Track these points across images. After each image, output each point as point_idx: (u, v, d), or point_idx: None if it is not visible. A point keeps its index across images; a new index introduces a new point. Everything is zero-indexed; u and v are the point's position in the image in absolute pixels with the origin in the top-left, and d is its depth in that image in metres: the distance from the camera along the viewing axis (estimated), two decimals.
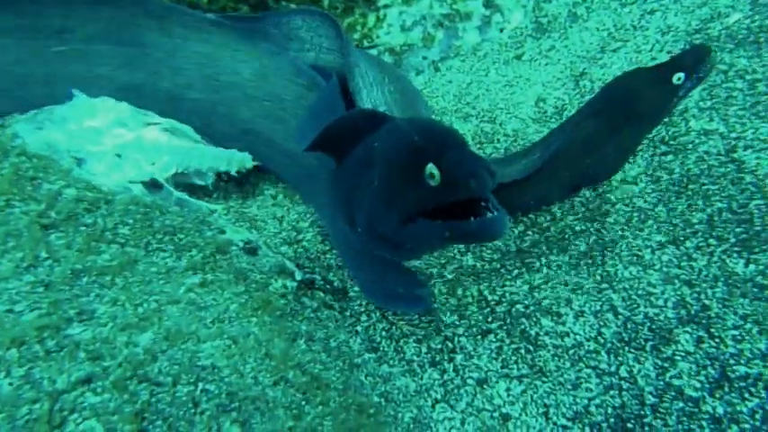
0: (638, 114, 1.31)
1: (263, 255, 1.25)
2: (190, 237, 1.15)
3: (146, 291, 0.97)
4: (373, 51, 1.91)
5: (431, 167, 0.82)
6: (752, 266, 1.17)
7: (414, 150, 0.85)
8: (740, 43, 1.56)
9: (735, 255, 1.20)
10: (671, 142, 1.47)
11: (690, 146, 1.44)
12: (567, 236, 1.38)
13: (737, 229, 1.24)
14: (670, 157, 1.44)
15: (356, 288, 1.37)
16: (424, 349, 1.23)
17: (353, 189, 0.98)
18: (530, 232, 1.42)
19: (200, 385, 0.81)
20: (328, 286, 1.33)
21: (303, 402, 0.87)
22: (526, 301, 1.27)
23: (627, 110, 1.31)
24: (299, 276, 1.26)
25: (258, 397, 0.83)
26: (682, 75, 1.27)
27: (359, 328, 1.26)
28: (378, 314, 1.30)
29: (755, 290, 1.13)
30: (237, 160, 1.50)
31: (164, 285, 0.97)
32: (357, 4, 1.74)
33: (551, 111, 1.69)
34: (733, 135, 1.41)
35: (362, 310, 1.31)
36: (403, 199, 0.87)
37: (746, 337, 1.08)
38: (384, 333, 1.26)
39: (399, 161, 0.88)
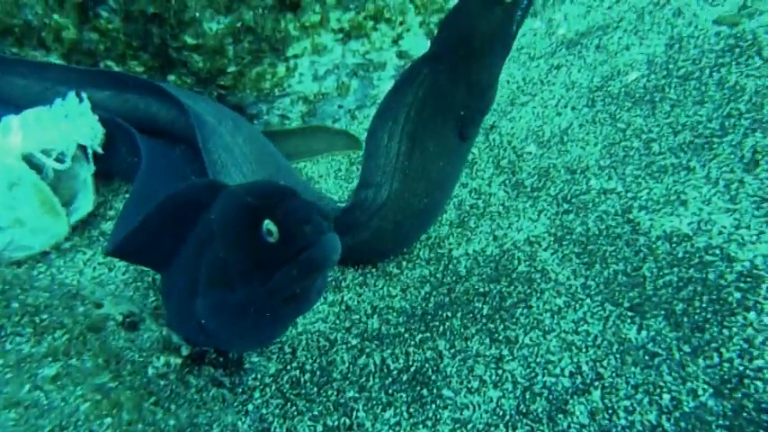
0: (479, 52, 1.20)
1: (145, 329, 1.16)
2: (56, 316, 1.04)
3: None
4: (286, 100, 1.87)
5: (267, 224, 0.83)
6: (644, 333, 1.18)
7: (248, 210, 0.86)
8: (637, 102, 1.62)
9: (628, 320, 1.21)
10: (572, 200, 1.49)
11: (590, 205, 1.46)
12: (471, 297, 1.36)
13: (631, 294, 1.25)
14: (572, 216, 1.45)
15: (253, 358, 1.29)
16: (319, 428, 1.16)
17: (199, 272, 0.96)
18: (435, 293, 1.39)
19: None
20: (221, 359, 1.25)
21: None
22: (428, 371, 1.24)
23: (464, 51, 1.20)
24: (185, 351, 1.17)
25: None
26: None
27: (250, 407, 1.18)
28: (273, 389, 1.23)
29: (647, 358, 1.14)
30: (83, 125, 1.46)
31: (7, 383, 0.87)
32: (265, 54, 1.69)
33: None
34: (629, 195, 1.44)
35: (257, 384, 1.23)
36: (248, 262, 0.87)
37: (637, 409, 1.08)
38: (277, 411, 1.18)
39: (237, 225, 0.88)
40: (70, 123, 1.46)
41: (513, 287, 1.35)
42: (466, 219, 1.56)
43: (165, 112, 1.57)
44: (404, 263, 1.50)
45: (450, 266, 1.45)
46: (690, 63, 1.61)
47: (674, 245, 1.29)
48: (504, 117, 1.78)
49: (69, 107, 1.49)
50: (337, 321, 1.39)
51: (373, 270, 1.50)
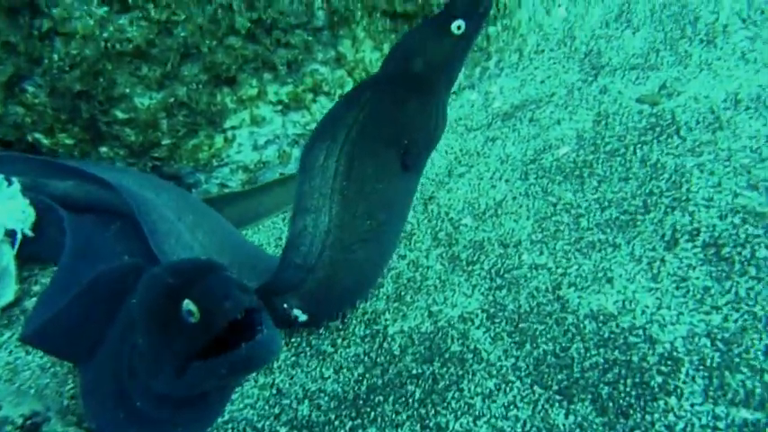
0: (424, 81, 1.22)
1: (49, 431, 1.08)
2: None
3: None
4: (225, 169, 1.85)
5: (187, 304, 0.81)
6: (571, 418, 1.17)
7: (167, 292, 0.84)
8: (567, 176, 1.67)
9: (556, 404, 1.20)
10: (505, 275, 1.50)
11: (522, 280, 1.47)
12: (404, 380, 1.33)
13: (559, 376, 1.25)
14: (504, 291, 1.46)
15: None
16: None
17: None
18: (368, 374, 1.36)
19: None
20: None
21: None
22: None
23: (410, 79, 1.22)
24: None
25: None
26: (461, 22, 1.17)
27: None
28: None
29: None
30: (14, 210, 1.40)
31: None
32: (201, 126, 1.68)
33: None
34: (559, 271, 1.46)
35: None
36: (170, 348, 0.85)
37: None
38: None
39: (156, 308, 0.86)
40: None
41: (445, 368, 1.33)
42: (403, 293, 1.55)
43: (122, 205, 1.55)
44: (339, 340, 1.47)
45: (385, 345, 1.42)
46: (615, 139, 1.67)
47: (600, 324, 1.31)
48: (442, 188, 1.80)
49: None
50: (266, 407, 1.33)
51: (307, 349, 1.46)
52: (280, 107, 1.80)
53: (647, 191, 1.51)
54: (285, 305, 1.38)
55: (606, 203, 1.55)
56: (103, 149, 1.67)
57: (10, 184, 1.43)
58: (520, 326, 1.37)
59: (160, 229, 1.38)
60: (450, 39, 1.19)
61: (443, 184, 1.82)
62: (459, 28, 1.18)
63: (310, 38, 1.67)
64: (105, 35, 1.39)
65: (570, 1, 2.04)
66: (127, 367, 0.96)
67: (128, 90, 1.49)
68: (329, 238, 1.30)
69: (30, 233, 1.45)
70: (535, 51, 2.02)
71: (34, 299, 1.62)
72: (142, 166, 1.73)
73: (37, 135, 1.60)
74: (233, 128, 1.76)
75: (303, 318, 1.40)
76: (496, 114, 1.94)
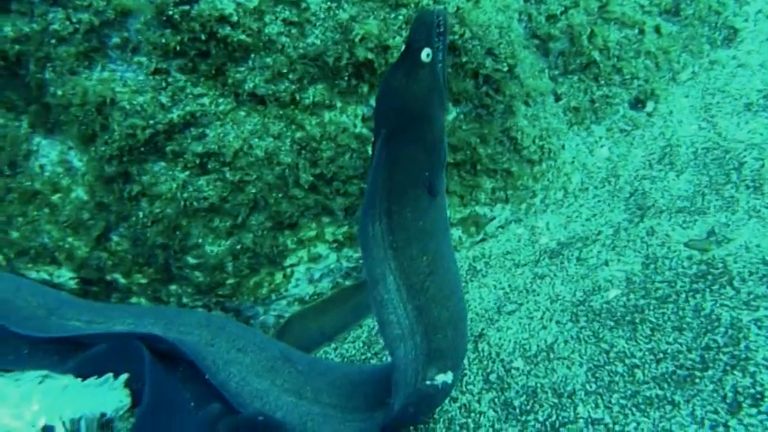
0: (423, 114, 1.30)
1: None
2: None
3: None
4: (282, 302, 1.94)
5: None
6: None
7: None
8: (619, 322, 1.67)
9: None
10: (561, 430, 1.47)
11: None
12: None
13: None
14: None
15: None
16: None
17: None
18: None
19: None
20: None
21: None
22: None
23: (410, 120, 1.29)
24: None
25: None
26: (427, 50, 1.26)
27: None
28: None
29: None
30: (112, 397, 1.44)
31: None
32: (263, 265, 1.79)
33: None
34: (617, 428, 1.43)
35: None
36: None
37: None
38: None
39: None
40: (99, 397, 1.50)
41: None
42: None
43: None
44: None
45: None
46: (666, 285, 1.68)
47: None
48: (491, 326, 1.83)
49: (103, 382, 1.54)
50: None
51: None
52: (335, 245, 1.90)
53: (703, 345, 1.50)
54: (427, 382, 1.38)
55: (661, 355, 1.53)
56: (173, 287, 1.79)
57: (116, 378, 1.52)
58: None
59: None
60: (425, 69, 1.28)
61: (493, 322, 1.85)
62: (428, 55, 1.27)
63: (365, 186, 1.79)
64: (185, 195, 1.55)
65: (612, 142, 2.14)
66: None
67: (200, 240, 1.63)
68: (402, 292, 1.36)
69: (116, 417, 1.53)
70: (580, 189, 2.09)
71: None
72: (207, 301, 1.84)
73: (115, 275, 1.74)
74: (291, 265, 1.86)
75: (449, 377, 1.41)
76: (543, 251, 1.98)
